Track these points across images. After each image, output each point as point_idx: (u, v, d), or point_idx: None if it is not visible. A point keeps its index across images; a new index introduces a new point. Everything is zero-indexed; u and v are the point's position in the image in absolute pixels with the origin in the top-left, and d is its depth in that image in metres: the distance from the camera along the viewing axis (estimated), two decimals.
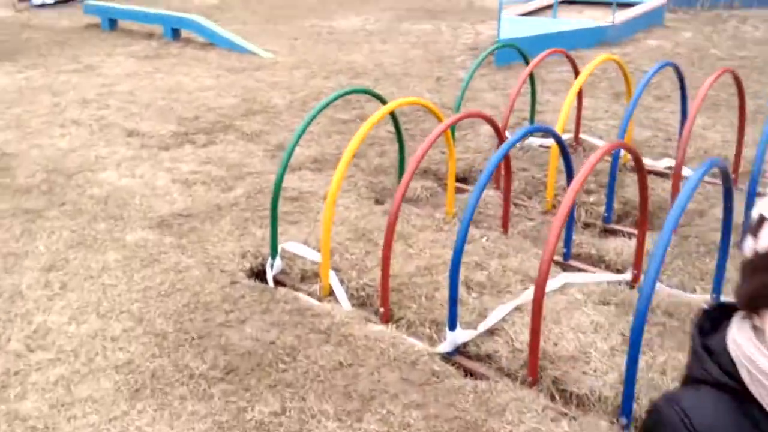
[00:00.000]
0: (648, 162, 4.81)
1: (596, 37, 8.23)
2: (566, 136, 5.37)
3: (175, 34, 9.52)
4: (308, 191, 4.58)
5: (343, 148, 5.38)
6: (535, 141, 5.33)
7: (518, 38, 7.72)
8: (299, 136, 3.53)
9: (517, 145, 4.81)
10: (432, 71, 7.71)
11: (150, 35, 9.88)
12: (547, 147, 5.26)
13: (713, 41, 8.91)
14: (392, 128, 4.82)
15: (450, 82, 7.25)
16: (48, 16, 11.94)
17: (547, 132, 3.20)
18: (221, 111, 6.43)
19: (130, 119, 6.21)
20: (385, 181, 4.77)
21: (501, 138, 3.77)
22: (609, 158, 4.88)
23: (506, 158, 3.76)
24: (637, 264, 3.28)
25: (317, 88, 7.18)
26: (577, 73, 5.12)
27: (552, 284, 3.15)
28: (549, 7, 9.91)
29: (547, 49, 7.99)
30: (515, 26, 8.24)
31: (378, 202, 4.46)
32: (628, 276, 3.34)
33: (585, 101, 5.99)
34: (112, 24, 10.32)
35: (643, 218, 3.21)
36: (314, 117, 3.61)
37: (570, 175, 3.31)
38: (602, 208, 4.05)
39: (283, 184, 3.73)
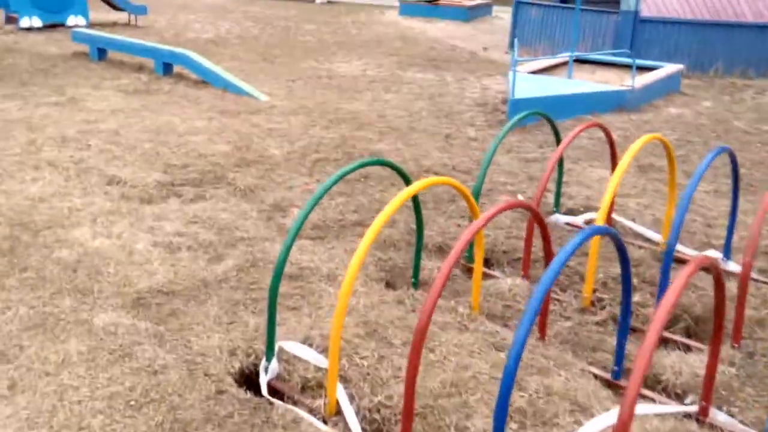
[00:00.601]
0: (687, 251, 4.34)
1: (615, 102, 7.87)
2: (591, 215, 4.91)
3: (167, 69, 9.02)
4: (308, 266, 4.02)
5: (346, 213, 4.86)
6: (560, 218, 4.85)
7: (532, 98, 7.33)
8: (308, 213, 2.97)
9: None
10: (440, 127, 7.26)
11: (140, 68, 9.37)
12: (576, 226, 4.78)
13: (734, 112, 8.60)
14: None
15: (460, 142, 6.79)
16: (35, 41, 11.41)
17: (608, 234, 2.70)
18: (212, 159, 5.88)
19: (112, 163, 5.63)
20: (396, 258, 4.23)
21: (542, 226, 3.26)
22: (647, 244, 4.42)
23: (549, 251, 3.25)
24: (707, 394, 2.75)
25: (317, 138, 6.68)
26: (613, 150, 4.68)
27: (604, 420, 2.61)
28: (560, 65, 9.60)
29: (564, 111, 7.69)
30: (528, 84, 7.87)
31: (389, 285, 3.90)
32: (693, 407, 2.81)
33: (608, 173, 5.57)
34: (102, 54, 9.80)
35: (718, 338, 2.70)
36: (329, 188, 3.07)
37: (627, 277, 2.80)
38: (649, 310, 3.55)
39: None
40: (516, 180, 5.77)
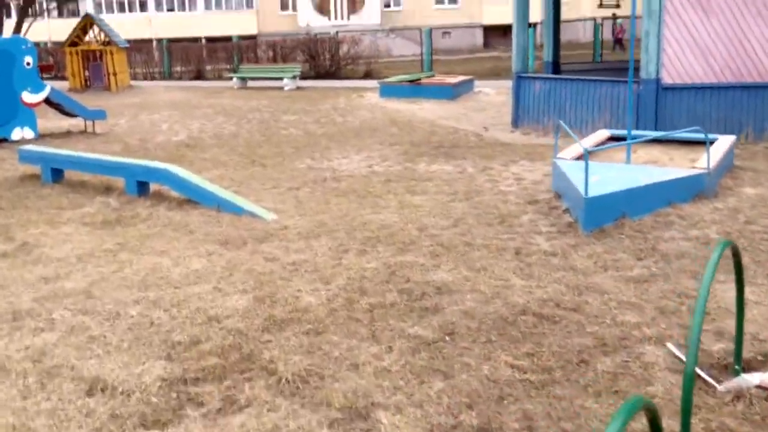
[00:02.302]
0: None
1: (693, 188, 6.57)
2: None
3: (142, 188, 7.40)
4: None
5: None
6: (748, 379, 3.35)
7: (608, 195, 5.95)
8: None
9: None
10: (501, 239, 5.77)
11: (108, 190, 7.71)
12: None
13: None
14: None
15: (537, 260, 5.27)
16: None
17: None
18: (230, 323, 4.22)
19: (88, 353, 3.90)
20: None
21: None
22: None
23: None
24: None
25: (356, 271, 5.10)
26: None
27: None
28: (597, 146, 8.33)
29: (641, 205, 5.95)
30: (579, 174, 6.49)
31: None
32: None
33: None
34: (57, 175, 8.14)
35: None
36: None
37: None
38: None
39: None
40: (646, 317, 4.27)
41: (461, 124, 12.92)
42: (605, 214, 5.79)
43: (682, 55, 10.08)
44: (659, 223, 5.94)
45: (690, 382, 2.79)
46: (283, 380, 3.55)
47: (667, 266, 5.07)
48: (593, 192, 5.87)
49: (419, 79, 16.50)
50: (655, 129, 9.73)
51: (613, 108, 10.51)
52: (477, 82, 18.20)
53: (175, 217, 6.67)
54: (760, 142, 9.86)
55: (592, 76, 11.06)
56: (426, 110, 14.74)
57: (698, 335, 2.82)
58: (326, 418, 3.23)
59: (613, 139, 8.58)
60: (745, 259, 5.24)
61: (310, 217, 6.54)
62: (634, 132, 9.00)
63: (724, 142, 8.05)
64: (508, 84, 19.65)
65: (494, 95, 17.05)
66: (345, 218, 6.46)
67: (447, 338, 4.00)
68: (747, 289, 4.76)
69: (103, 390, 3.49)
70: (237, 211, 6.67)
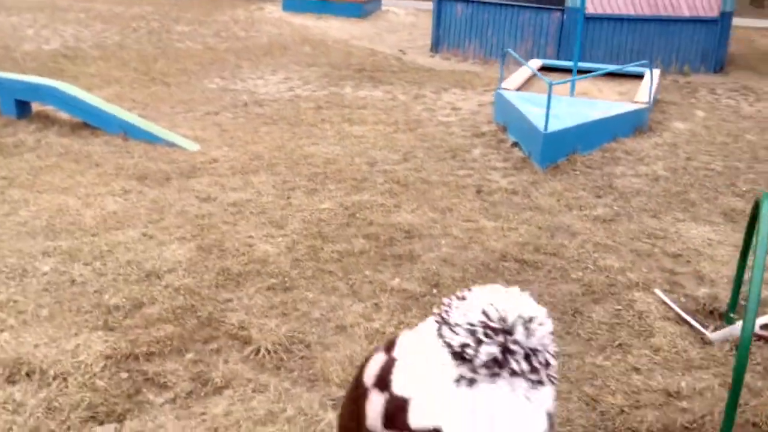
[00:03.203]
0: None
1: (634, 123, 6.43)
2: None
3: (23, 109, 6.11)
4: None
5: None
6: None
7: (563, 130, 5.64)
8: None
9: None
10: (457, 176, 5.32)
11: None
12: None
13: (730, 121, 7.61)
14: None
15: (500, 198, 4.89)
16: None
17: None
18: (175, 280, 3.47)
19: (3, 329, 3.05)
20: None
21: None
22: None
23: None
24: None
25: (311, 212, 4.46)
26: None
27: None
28: (532, 78, 7.99)
29: (590, 141, 5.76)
30: (538, 109, 6.13)
31: None
32: None
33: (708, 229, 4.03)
34: None
35: None
36: None
37: None
38: None
39: None
40: (626, 261, 4.05)
41: (376, 45, 12.13)
42: (559, 150, 5.54)
43: None
44: (607, 158, 5.78)
45: (745, 350, 2.55)
46: (263, 350, 2.94)
47: (627, 204, 4.93)
48: (551, 127, 5.54)
49: None
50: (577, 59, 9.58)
51: (536, 36, 10.22)
52: (384, 0, 17.25)
53: (71, 145, 5.57)
54: (668, 75, 10.05)
55: (517, 2, 10.63)
56: (336, 28, 13.72)
57: (757, 299, 2.57)
58: (328, 397, 2.69)
59: (546, 69, 8.28)
60: (695, 196, 5.23)
61: (240, 148, 5.70)
62: (563, 63, 8.81)
63: (653, 77, 8.01)
64: (417, 4, 18.89)
65: (404, 15, 16.25)
66: (282, 150, 5.70)
67: (434, 291, 3.55)
68: (706, 228, 4.73)
69: (29, 375, 2.70)
70: (149, 138, 5.68)
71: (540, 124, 5.51)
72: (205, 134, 6.05)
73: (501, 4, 10.64)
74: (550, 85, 5.32)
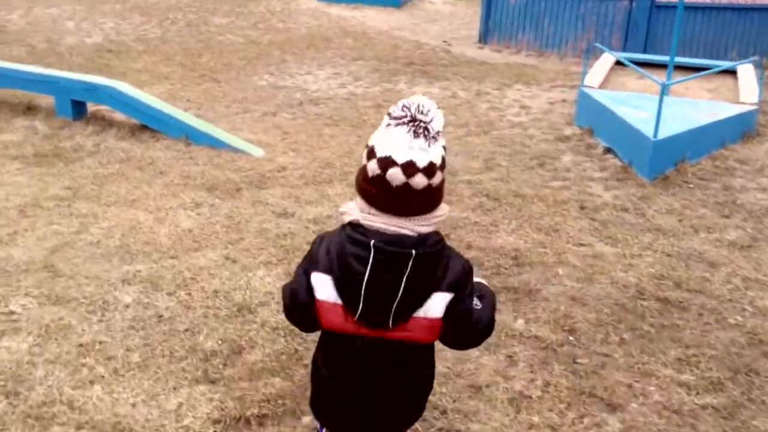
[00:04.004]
0: None
1: (742, 127, 5.87)
2: None
3: (78, 110, 5.79)
4: None
5: None
6: None
7: (675, 136, 5.09)
8: None
9: None
10: (551, 188, 4.88)
11: (30, 111, 5.99)
12: None
13: None
14: None
15: (608, 215, 4.42)
16: None
17: None
18: (270, 317, 3.13)
19: (83, 378, 2.71)
20: None
21: None
22: None
23: None
24: None
25: None
26: None
27: None
28: (610, 73, 7.40)
29: (699, 148, 5.23)
30: (643, 113, 5.54)
31: None
32: None
33: None
34: None
35: None
36: None
37: None
38: None
39: None
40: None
41: (419, 36, 11.67)
42: (668, 159, 5.05)
43: None
44: (720, 168, 5.28)
45: None
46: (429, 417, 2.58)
47: (762, 226, 4.38)
48: (663, 134, 4.97)
49: None
50: (645, 52, 9.07)
51: (599, 27, 9.69)
52: None
53: (132, 150, 5.24)
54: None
55: None
56: (375, 19, 13.27)
57: None
58: None
59: (620, 64, 7.64)
60: None
61: (308, 154, 5.34)
62: (626, 55, 8.24)
63: (748, 73, 7.36)
64: None
65: (441, 4, 15.73)
66: (352, 157, 5.32)
67: (571, 338, 3.16)
68: None
69: None
70: (213, 143, 5.34)
71: (646, 129, 5.00)
72: (268, 138, 5.70)
73: None
74: (664, 86, 4.81)
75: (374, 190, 1.53)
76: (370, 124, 6.26)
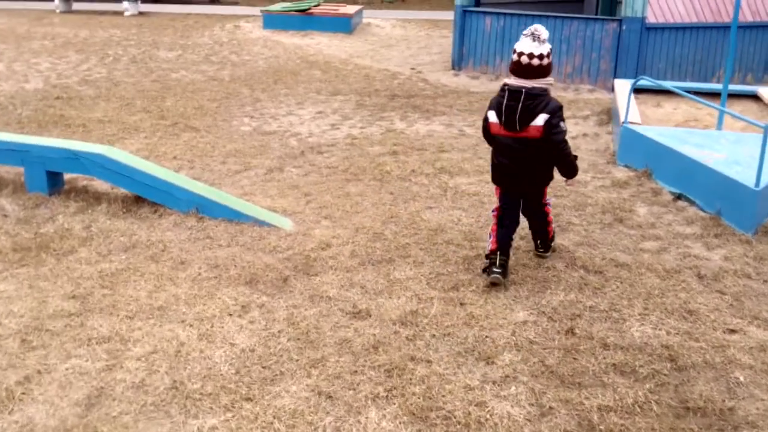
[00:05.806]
0: None
1: None
2: None
3: (54, 182, 4.72)
4: None
5: None
6: None
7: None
8: None
9: None
10: (648, 251, 4.22)
11: None
12: None
13: None
14: None
15: (732, 286, 3.79)
16: None
17: None
18: None
19: None
20: None
21: None
22: None
23: None
24: None
25: (513, 326, 3.37)
26: None
27: None
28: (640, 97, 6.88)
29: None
30: (697, 150, 5.00)
31: None
32: None
33: None
34: None
35: None
36: None
37: None
38: None
39: None
40: None
41: (383, 64, 11.06)
42: (765, 209, 4.53)
43: None
44: None
45: None
46: None
47: None
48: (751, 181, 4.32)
49: (308, 9, 14.05)
50: (636, 74, 8.83)
51: (585, 50, 9.38)
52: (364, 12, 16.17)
53: (135, 232, 4.25)
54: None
55: (559, 12, 9.76)
56: (330, 46, 12.54)
57: None
58: None
59: (637, 91, 6.94)
60: None
61: (345, 222, 4.53)
62: (626, 80, 7.87)
63: None
64: (396, 14, 17.89)
65: (390, 28, 15.21)
66: (398, 223, 4.55)
67: None
68: None
69: None
70: (230, 216, 4.44)
71: (741, 177, 4.45)
72: (288, 203, 4.85)
73: (541, 15, 9.76)
74: (767, 129, 4.29)
75: (515, 66, 3.54)
76: (395, 176, 5.51)
